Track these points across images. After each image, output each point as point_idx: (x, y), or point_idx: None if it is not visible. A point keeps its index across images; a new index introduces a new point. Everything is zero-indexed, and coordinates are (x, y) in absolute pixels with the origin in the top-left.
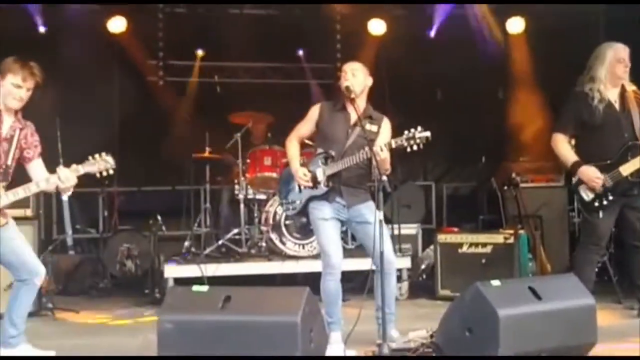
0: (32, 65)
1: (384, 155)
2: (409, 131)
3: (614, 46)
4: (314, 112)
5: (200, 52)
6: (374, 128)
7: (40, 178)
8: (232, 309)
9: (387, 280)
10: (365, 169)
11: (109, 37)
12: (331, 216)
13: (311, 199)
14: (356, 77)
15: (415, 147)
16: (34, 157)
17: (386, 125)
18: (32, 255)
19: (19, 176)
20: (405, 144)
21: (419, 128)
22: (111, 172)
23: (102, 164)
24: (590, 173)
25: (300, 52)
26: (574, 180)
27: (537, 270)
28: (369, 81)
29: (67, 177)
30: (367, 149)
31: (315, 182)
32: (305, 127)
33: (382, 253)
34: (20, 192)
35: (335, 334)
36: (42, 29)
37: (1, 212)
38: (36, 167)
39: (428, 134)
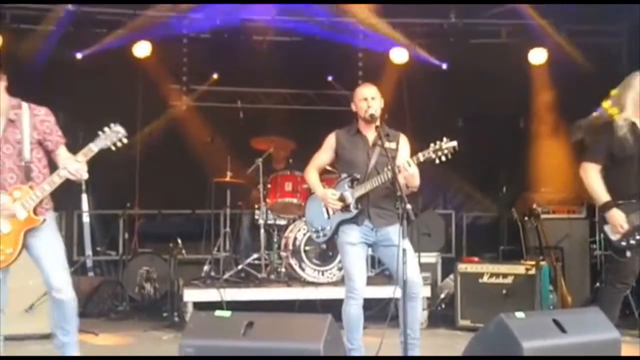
0: None
1: (413, 170)
2: (435, 143)
3: None
4: (331, 140)
5: (215, 76)
6: (392, 145)
7: (61, 166)
8: (255, 335)
9: (411, 304)
10: (392, 189)
11: (134, 61)
12: (359, 241)
13: (341, 223)
14: (376, 101)
15: (443, 158)
16: (55, 148)
17: (403, 140)
18: (49, 266)
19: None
20: (433, 155)
21: (445, 139)
22: (125, 141)
23: (113, 136)
24: (618, 219)
25: (330, 78)
26: (599, 215)
27: (558, 302)
28: (382, 101)
29: (76, 170)
30: (389, 166)
31: (344, 204)
32: (323, 156)
33: (405, 279)
34: (55, 179)
35: None
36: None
37: (37, 210)
38: (62, 157)
39: (454, 143)
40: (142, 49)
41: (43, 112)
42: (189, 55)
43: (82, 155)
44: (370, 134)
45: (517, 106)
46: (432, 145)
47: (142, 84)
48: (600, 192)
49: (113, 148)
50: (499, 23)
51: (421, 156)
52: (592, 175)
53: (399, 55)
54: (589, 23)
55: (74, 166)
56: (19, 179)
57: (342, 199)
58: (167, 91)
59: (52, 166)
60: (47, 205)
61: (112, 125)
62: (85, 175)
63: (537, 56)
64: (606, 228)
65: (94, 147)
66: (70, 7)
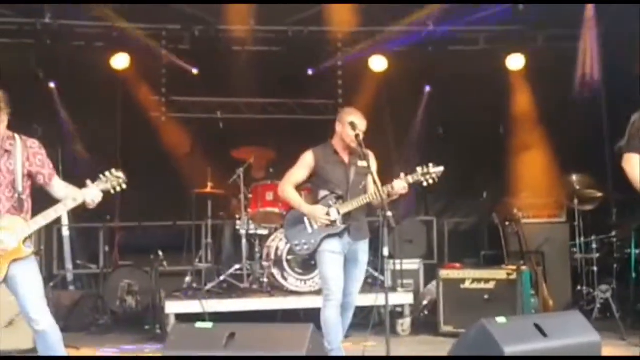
0: None
1: (406, 191)
2: (423, 167)
3: None
4: (309, 159)
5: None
6: (365, 164)
7: (67, 197)
8: (237, 346)
9: (345, 315)
10: (366, 204)
11: (112, 73)
12: (339, 251)
13: (326, 237)
14: (363, 130)
15: (431, 182)
16: (48, 180)
17: (372, 158)
18: (27, 298)
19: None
20: (422, 179)
21: (431, 164)
22: (124, 186)
23: (114, 180)
24: None
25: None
26: None
27: (539, 306)
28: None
29: (94, 197)
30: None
31: (332, 220)
32: (300, 173)
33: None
34: (51, 214)
35: None
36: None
37: (25, 242)
38: (57, 187)
39: (442, 169)
40: (120, 61)
41: (36, 145)
42: (168, 66)
43: (80, 196)
44: (346, 154)
45: (496, 112)
46: (419, 169)
47: (121, 95)
48: None
49: (112, 192)
50: (477, 30)
51: (410, 178)
52: (637, 166)
53: (378, 64)
54: (565, 28)
55: (92, 193)
56: (7, 209)
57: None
58: (147, 103)
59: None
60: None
61: (113, 170)
62: (99, 200)
63: (515, 62)
64: None
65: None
66: (47, 20)
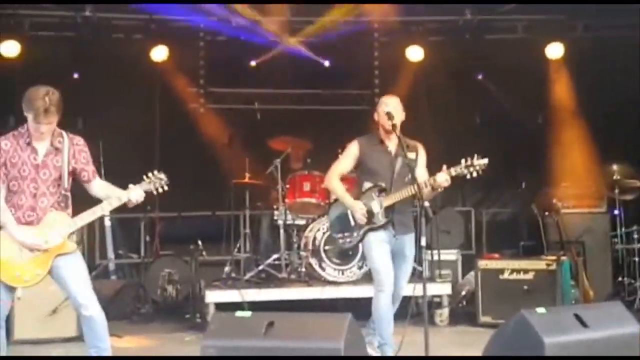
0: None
1: (448, 183)
2: (467, 159)
3: None
4: (354, 148)
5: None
6: (412, 156)
7: (112, 196)
8: (275, 335)
9: (393, 306)
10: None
11: (151, 65)
12: (386, 240)
13: (369, 230)
14: (397, 112)
15: (475, 174)
16: (92, 177)
17: (421, 150)
18: (75, 286)
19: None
20: (465, 171)
21: (476, 156)
22: (166, 188)
23: (156, 181)
24: None
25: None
26: None
27: (579, 297)
28: (403, 115)
29: (137, 197)
30: (410, 176)
31: (371, 216)
32: (346, 164)
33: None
34: (97, 211)
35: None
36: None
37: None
38: (98, 186)
39: (486, 161)
40: (159, 53)
41: (81, 142)
42: (206, 58)
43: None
44: (392, 144)
45: (535, 101)
46: (463, 161)
47: (160, 87)
48: None
49: (155, 192)
50: (515, 18)
51: (453, 171)
52: None
53: (415, 54)
54: (606, 16)
55: (137, 194)
56: (51, 204)
57: (369, 210)
58: (185, 94)
59: None
60: None
61: (155, 172)
62: (141, 199)
63: (554, 51)
64: None
65: (139, 189)
66: (87, 12)
